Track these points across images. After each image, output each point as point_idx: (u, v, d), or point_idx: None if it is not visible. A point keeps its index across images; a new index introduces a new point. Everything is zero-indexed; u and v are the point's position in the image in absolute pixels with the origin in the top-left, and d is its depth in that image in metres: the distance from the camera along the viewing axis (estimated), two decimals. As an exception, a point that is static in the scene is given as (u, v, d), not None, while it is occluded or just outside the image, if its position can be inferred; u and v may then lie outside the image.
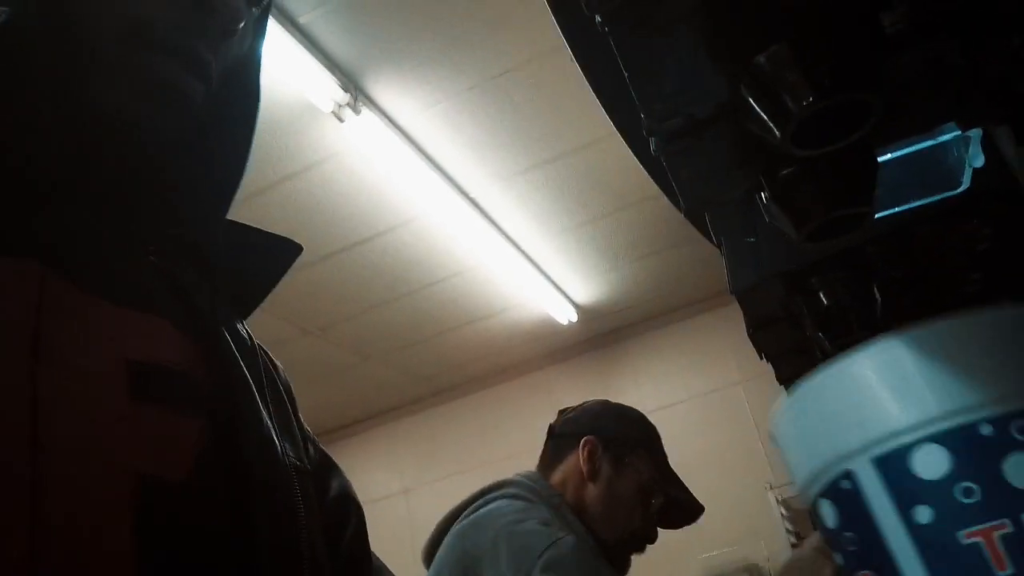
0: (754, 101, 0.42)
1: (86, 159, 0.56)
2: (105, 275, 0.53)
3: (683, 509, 1.51)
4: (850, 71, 0.41)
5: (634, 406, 1.60)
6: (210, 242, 0.64)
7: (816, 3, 0.45)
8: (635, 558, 1.49)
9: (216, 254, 0.63)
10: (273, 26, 2.46)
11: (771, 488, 4.19)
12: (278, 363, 0.70)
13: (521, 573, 1.17)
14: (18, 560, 0.39)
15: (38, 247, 0.48)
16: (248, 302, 0.68)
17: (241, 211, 0.66)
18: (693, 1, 0.44)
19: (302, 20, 2.56)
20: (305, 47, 2.59)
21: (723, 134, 0.48)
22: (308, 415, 0.70)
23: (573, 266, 4.34)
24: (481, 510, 1.37)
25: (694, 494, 1.51)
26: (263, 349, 0.67)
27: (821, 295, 0.65)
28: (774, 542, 4.21)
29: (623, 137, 0.66)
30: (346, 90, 2.75)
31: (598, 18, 0.44)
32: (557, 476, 1.48)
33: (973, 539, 0.38)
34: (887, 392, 0.42)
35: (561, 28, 0.58)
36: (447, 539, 1.37)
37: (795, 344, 0.80)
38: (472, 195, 3.54)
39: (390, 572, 0.85)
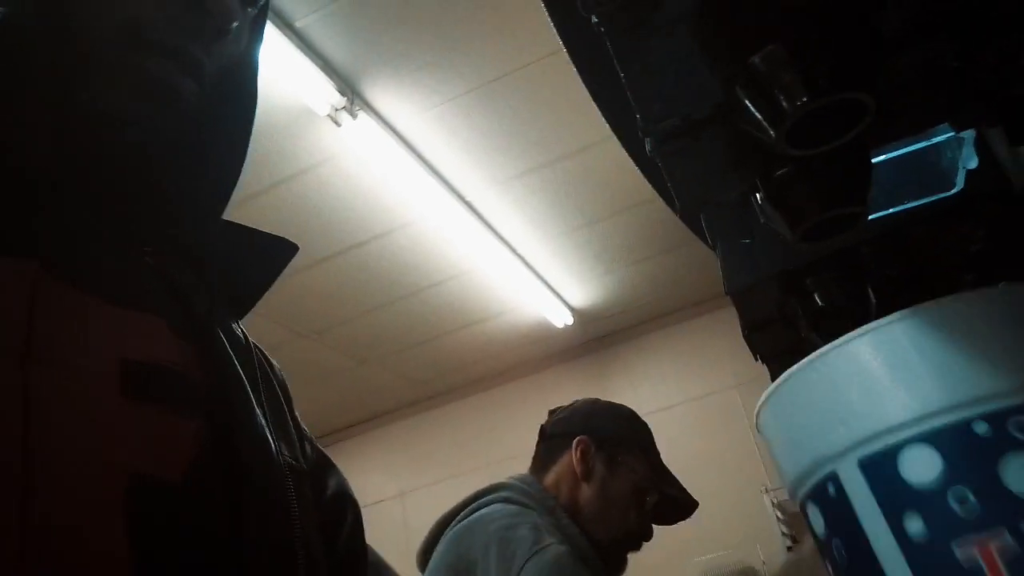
0: (749, 101, 0.42)
1: (84, 159, 0.56)
2: (102, 275, 0.53)
3: (677, 506, 1.50)
4: (845, 71, 0.41)
5: (630, 408, 1.60)
6: (206, 242, 0.64)
7: (811, 4, 0.45)
8: (631, 560, 1.49)
9: (212, 254, 0.63)
10: (270, 29, 2.46)
11: (767, 491, 4.19)
12: (275, 362, 0.70)
13: None
14: (8, 560, 0.39)
15: (36, 247, 0.48)
16: (244, 302, 0.68)
17: (237, 214, 0.66)
18: (689, 2, 0.44)
19: (299, 24, 2.56)
20: (302, 51, 2.59)
21: (719, 135, 0.49)
22: (304, 418, 0.71)
23: (569, 269, 4.34)
24: (474, 514, 1.37)
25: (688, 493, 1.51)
26: (259, 348, 0.67)
27: (816, 296, 0.66)
28: (770, 545, 4.20)
29: (618, 139, 0.66)
30: (343, 94, 2.76)
31: (594, 19, 0.44)
32: (551, 477, 1.47)
33: (969, 551, 0.35)
34: (871, 387, 0.39)
35: (557, 29, 0.59)
36: (441, 543, 1.37)
37: (790, 345, 0.80)
38: (468, 199, 3.54)
39: (388, 567, 0.84)
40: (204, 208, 0.66)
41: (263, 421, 0.57)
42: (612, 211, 3.86)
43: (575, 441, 1.47)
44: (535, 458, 1.54)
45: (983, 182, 0.58)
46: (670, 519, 1.52)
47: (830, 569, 0.43)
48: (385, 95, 2.89)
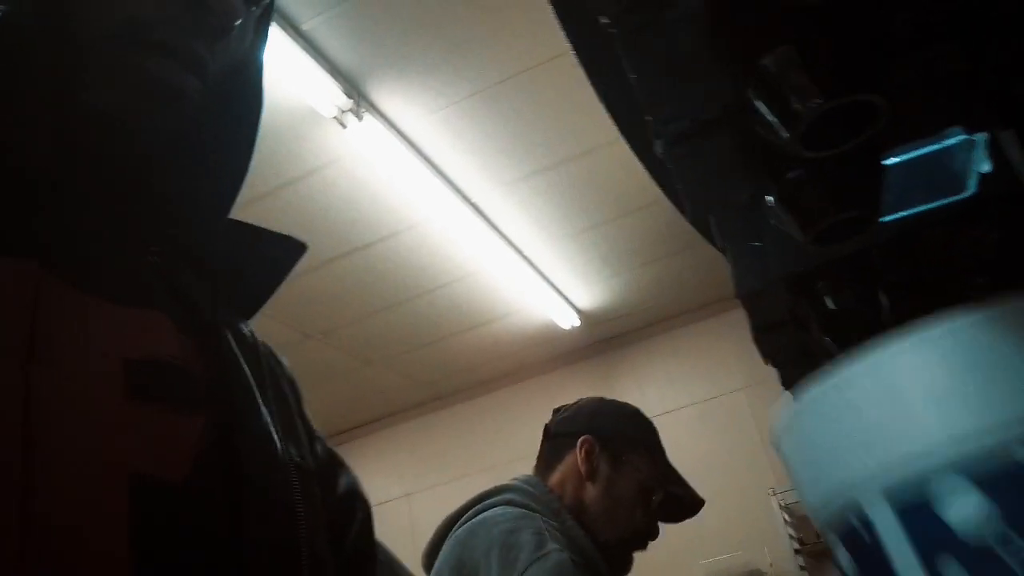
0: (761, 103, 0.42)
1: (84, 159, 0.56)
2: (103, 274, 0.53)
3: (683, 504, 1.49)
4: (858, 72, 0.41)
5: (636, 410, 1.59)
6: (211, 242, 0.64)
7: (821, 5, 0.45)
8: (637, 563, 1.48)
9: (216, 254, 0.63)
10: (276, 32, 2.47)
11: (774, 493, 4.18)
12: (283, 361, 0.70)
13: None
14: (8, 560, 0.39)
15: (37, 247, 0.48)
16: (252, 301, 0.67)
17: (243, 215, 0.66)
18: (699, 3, 0.44)
19: (305, 26, 2.57)
20: (308, 53, 2.60)
21: (729, 136, 0.48)
22: (309, 419, 0.70)
23: (576, 271, 4.34)
24: (478, 517, 1.36)
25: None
26: (267, 347, 0.67)
27: (826, 299, 0.65)
28: (777, 547, 4.19)
29: (626, 140, 0.66)
30: (349, 96, 2.76)
31: (604, 20, 0.44)
32: (555, 477, 1.46)
33: None
34: (895, 406, 0.34)
35: (564, 30, 0.58)
36: (445, 546, 1.36)
37: (800, 348, 0.79)
38: (474, 200, 3.54)
39: (400, 564, 0.84)
40: (208, 208, 0.65)
41: (268, 420, 0.56)
42: (618, 213, 3.85)
43: (580, 441, 1.46)
44: (539, 458, 1.53)
45: (996, 185, 0.58)
46: (676, 517, 1.51)
47: None
48: (391, 97, 2.89)
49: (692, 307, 4.93)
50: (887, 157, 0.52)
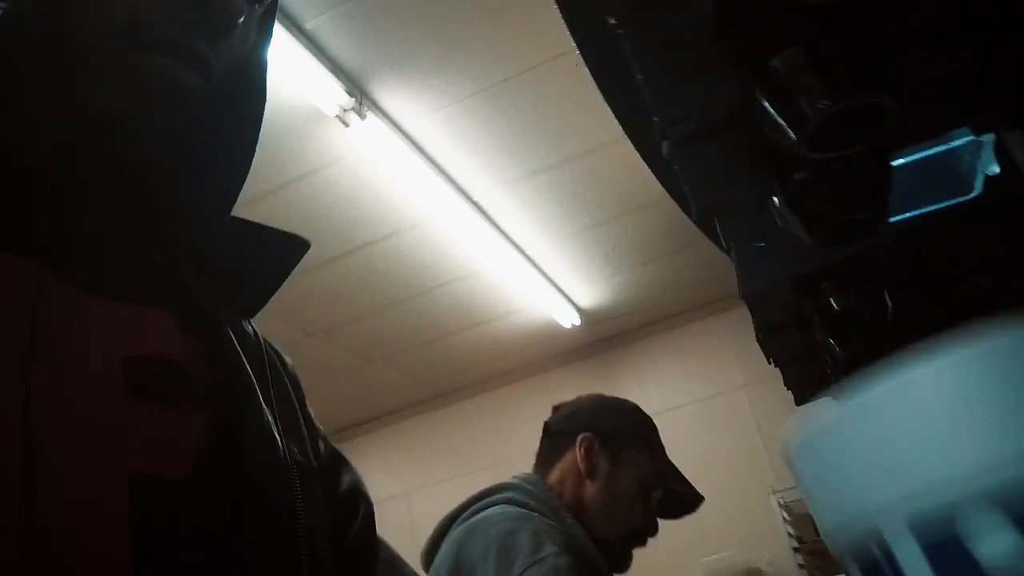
0: (770, 104, 0.42)
1: (86, 158, 0.56)
2: (105, 273, 0.52)
3: (683, 500, 1.49)
4: (866, 73, 0.41)
5: (636, 408, 1.58)
6: (213, 240, 0.63)
7: (829, 6, 0.45)
8: (636, 561, 1.48)
9: (219, 252, 0.63)
10: (279, 31, 2.47)
11: (773, 492, 4.18)
12: (287, 359, 0.70)
13: None
14: (8, 560, 0.39)
15: (37, 247, 0.48)
16: (256, 299, 0.67)
17: (245, 214, 0.65)
18: (707, 4, 0.44)
19: (308, 25, 2.56)
20: (311, 52, 2.60)
21: (736, 138, 0.48)
22: (310, 417, 0.70)
23: (577, 270, 4.34)
24: (477, 516, 1.36)
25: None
26: (270, 345, 0.67)
27: (831, 300, 0.65)
28: (776, 546, 4.19)
29: (632, 142, 0.66)
30: (351, 95, 2.76)
31: (612, 20, 0.44)
32: (555, 475, 1.46)
33: None
34: (924, 430, 0.31)
35: (571, 31, 0.58)
36: (444, 544, 1.36)
37: (804, 349, 0.80)
38: (476, 199, 3.54)
39: (404, 562, 0.84)
40: (211, 206, 0.65)
41: (269, 419, 0.56)
42: (620, 212, 3.85)
43: (579, 438, 1.46)
44: (539, 455, 1.53)
45: (1002, 185, 0.58)
46: (676, 514, 1.51)
47: None
48: (393, 96, 2.89)
49: (693, 306, 4.93)
50: (894, 158, 0.52)
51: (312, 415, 0.68)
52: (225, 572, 0.48)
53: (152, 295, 0.54)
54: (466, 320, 4.53)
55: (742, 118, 0.47)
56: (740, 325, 0.72)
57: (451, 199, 3.42)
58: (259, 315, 0.68)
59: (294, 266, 0.68)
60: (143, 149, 0.59)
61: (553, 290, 4.39)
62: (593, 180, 3.57)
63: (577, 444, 1.45)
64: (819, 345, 0.71)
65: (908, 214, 0.58)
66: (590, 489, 1.43)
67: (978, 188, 0.57)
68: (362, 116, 2.83)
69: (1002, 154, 0.56)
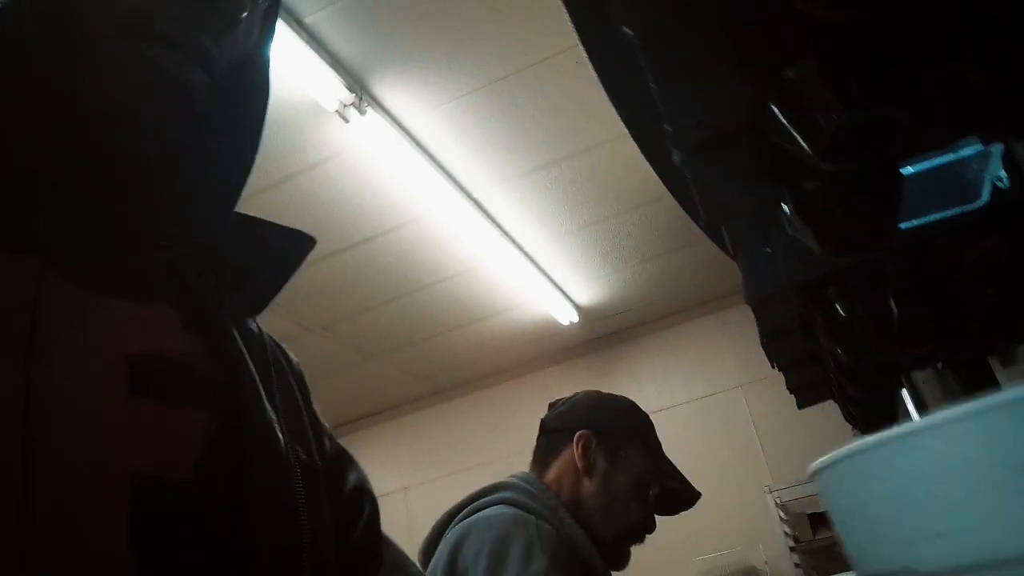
0: (783, 116, 0.42)
1: (88, 156, 0.55)
2: (107, 271, 0.52)
3: (680, 497, 1.49)
4: (880, 86, 0.41)
5: (633, 407, 1.58)
6: (217, 237, 0.63)
7: (840, 18, 0.45)
8: (633, 560, 1.48)
9: (224, 249, 0.62)
10: (279, 25, 2.46)
11: (770, 491, 4.19)
12: (292, 357, 0.69)
13: None
14: (8, 560, 0.39)
15: (38, 245, 0.48)
16: (261, 296, 0.66)
17: (245, 208, 0.65)
18: (721, 14, 0.44)
19: (308, 20, 2.56)
20: (311, 46, 2.59)
21: (748, 147, 0.48)
22: (310, 413, 0.69)
23: (575, 268, 4.34)
24: (474, 516, 1.36)
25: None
26: (276, 343, 0.66)
27: (837, 306, 0.65)
28: (772, 545, 4.21)
29: (639, 147, 0.66)
30: (351, 90, 2.75)
31: (628, 32, 0.44)
32: (552, 473, 1.46)
33: None
34: (973, 479, 0.28)
35: (580, 37, 0.58)
36: (442, 543, 1.36)
37: (806, 354, 0.80)
38: (476, 196, 3.54)
39: (409, 560, 0.83)
40: (214, 202, 0.64)
41: (272, 417, 0.56)
42: (619, 210, 3.85)
43: (576, 436, 1.46)
44: (536, 452, 1.53)
45: (1009, 195, 0.58)
46: (672, 510, 1.51)
47: None
48: (393, 92, 2.88)
49: (691, 304, 4.94)
50: (904, 167, 0.52)
51: (318, 413, 0.68)
52: (226, 572, 0.48)
53: (154, 292, 0.54)
54: (464, 316, 4.53)
55: (754, 127, 0.47)
56: (738, 324, 0.72)
57: (450, 195, 3.42)
58: (264, 311, 0.67)
59: (299, 263, 0.67)
60: (145, 146, 0.58)
61: (551, 287, 4.40)
62: (592, 177, 3.57)
63: (574, 441, 1.45)
64: (822, 350, 0.71)
65: (915, 222, 0.58)
66: (587, 487, 1.43)
67: (985, 197, 0.57)
68: (362, 112, 2.83)
69: (1010, 164, 0.56)
